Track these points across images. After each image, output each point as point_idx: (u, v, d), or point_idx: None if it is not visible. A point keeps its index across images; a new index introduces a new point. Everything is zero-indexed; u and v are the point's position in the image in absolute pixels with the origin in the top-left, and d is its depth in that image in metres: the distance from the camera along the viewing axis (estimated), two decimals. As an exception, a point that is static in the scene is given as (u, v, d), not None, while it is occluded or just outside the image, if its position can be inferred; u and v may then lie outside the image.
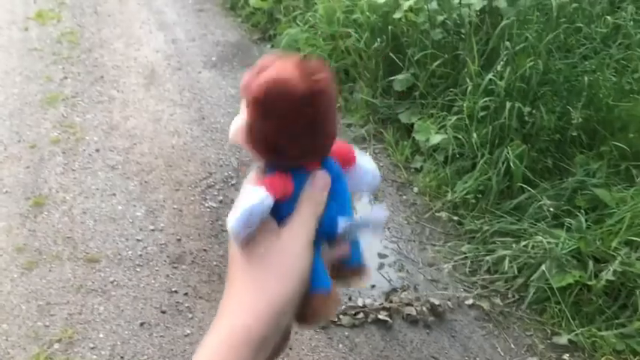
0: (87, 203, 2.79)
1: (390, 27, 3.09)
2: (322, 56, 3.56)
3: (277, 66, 0.52)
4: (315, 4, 3.65)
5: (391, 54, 3.12)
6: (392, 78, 3.13)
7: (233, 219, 0.52)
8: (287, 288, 0.51)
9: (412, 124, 3.04)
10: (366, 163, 0.61)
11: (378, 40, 3.15)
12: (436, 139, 2.78)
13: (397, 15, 2.96)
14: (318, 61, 0.52)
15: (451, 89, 2.91)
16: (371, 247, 2.50)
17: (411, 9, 2.93)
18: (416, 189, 2.87)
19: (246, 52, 4.22)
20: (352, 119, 3.33)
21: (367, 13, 3.20)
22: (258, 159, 0.55)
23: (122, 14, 4.94)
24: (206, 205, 2.80)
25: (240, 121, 0.54)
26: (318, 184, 0.55)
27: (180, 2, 5.17)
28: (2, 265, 2.44)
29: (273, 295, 0.50)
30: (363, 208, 0.61)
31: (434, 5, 2.90)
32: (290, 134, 0.52)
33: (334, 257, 0.57)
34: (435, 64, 2.91)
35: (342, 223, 0.56)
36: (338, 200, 0.57)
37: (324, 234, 0.56)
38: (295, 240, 0.53)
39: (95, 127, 3.37)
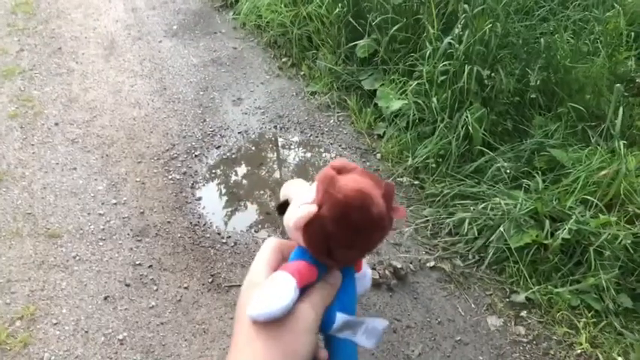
0: (47, 178, 2.75)
1: (351, -8, 3.06)
2: (285, 23, 3.52)
3: (356, 171, 0.57)
4: (277, -32, 3.59)
5: (352, 20, 3.09)
6: (354, 43, 3.11)
7: (259, 310, 0.53)
8: None
9: (375, 91, 3.04)
10: (367, 268, 0.66)
11: (340, 5, 3.12)
12: (397, 104, 2.78)
13: (357, -21, 2.92)
14: (391, 184, 0.56)
15: (412, 54, 2.91)
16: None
17: (370, -27, 2.90)
18: (379, 155, 2.88)
19: (208, 20, 4.15)
20: (316, 87, 3.32)
21: (329, -22, 3.16)
22: (300, 244, 0.58)
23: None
24: (169, 177, 2.78)
25: (304, 212, 0.55)
26: (331, 281, 0.59)
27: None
28: (-39, 243, 2.41)
29: None
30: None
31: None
32: (350, 246, 0.55)
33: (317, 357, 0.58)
34: (395, 28, 2.90)
35: (339, 318, 0.58)
36: (343, 298, 0.60)
37: (324, 324, 0.58)
38: (305, 323, 0.54)
39: (54, 101, 3.30)
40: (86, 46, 3.87)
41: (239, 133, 3.08)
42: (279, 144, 3.04)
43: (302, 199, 0.57)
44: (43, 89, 3.41)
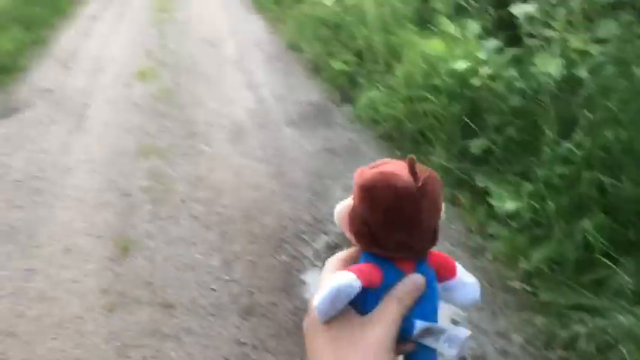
0: (169, 251, 2.96)
1: (467, 92, 3.13)
2: (400, 118, 3.64)
3: (391, 163, 0.56)
4: (395, 67, 3.76)
5: (468, 119, 3.14)
6: (468, 141, 3.14)
7: (319, 298, 0.52)
8: None
9: (488, 189, 3.02)
10: (467, 277, 0.61)
11: (456, 104, 3.19)
12: (511, 205, 2.74)
13: (475, 82, 2.99)
14: (428, 168, 0.55)
15: (528, 156, 2.88)
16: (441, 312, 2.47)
17: (489, 76, 2.96)
18: (490, 255, 2.82)
19: (327, 113, 4.38)
20: (427, 181, 3.35)
21: (445, 78, 3.26)
22: (355, 245, 0.58)
23: (215, 74, 5.29)
24: (279, 258, 2.89)
25: (345, 206, 0.58)
26: (409, 286, 0.55)
27: (270, 64, 5.48)
28: (88, 305, 2.62)
29: None
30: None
31: (512, 73, 2.91)
32: (389, 227, 0.54)
33: (397, 352, 0.55)
34: (512, 130, 2.91)
35: (418, 326, 0.56)
36: (423, 306, 0.57)
37: (402, 332, 0.55)
38: (379, 341, 0.51)
39: (183, 179, 3.59)
40: (216, 130, 4.22)
41: (349, 221, 3.15)
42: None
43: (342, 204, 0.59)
44: (175, 168, 3.73)
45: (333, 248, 2.96)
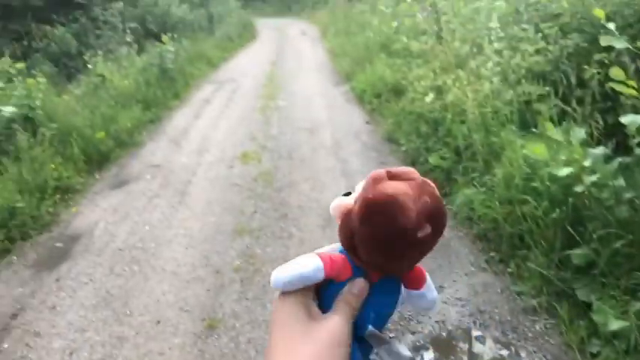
0: (253, 333, 2.96)
1: (570, 199, 3.01)
2: (497, 219, 3.54)
3: (412, 181, 0.57)
4: (495, 168, 3.71)
5: (569, 226, 3.00)
6: (569, 252, 2.98)
7: (280, 274, 0.56)
8: None
9: (590, 303, 2.82)
10: (430, 292, 0.65)
11: (557, 210, 3.07)
12: (617, 324, 2.53)
13: (579, 188, 2.88)
14: (438, 205, 0.56)
15: (637, 272, 2.68)
16: None
17: (594, 184, 2.84)
18: (590, 377, 2.59)
19: (421, 206, 4.35)
20: (523, 287, 3.19)
21: (547, 183, 3.17)
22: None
23: (312, 160, 5.45)
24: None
25: (344, 205, 0.59)
26: (354, 291, 0.59)
27: (365, 153, 5.58)
28: (171, 379, 2.65)
29: None
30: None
31: (620, 182, 2.78)
32: (372, 250, 0.56)
33: None
34: (619, 243, 2.74)
35: (369, 329, 0.58)
36: (379, 309, 0.60)
37: (356, 330, 0.58)
38: (335, 335, 0.55)
39: (272, 261, 3.65)
40: (308, 215, 4.29)
41: (436, 322, 3.04)
42: (478, 342, 2.92)
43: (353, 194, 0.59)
44: (265, 249, 3.81)
45: (419, 349, 2.85)
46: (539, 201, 3.23)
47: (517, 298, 3.17)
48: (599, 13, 2.69)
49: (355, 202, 0.58)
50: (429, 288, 0.65)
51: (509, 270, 3.39)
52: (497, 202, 3.55)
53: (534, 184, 3.29)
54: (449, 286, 3.34)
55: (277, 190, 4.79)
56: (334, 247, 0.62)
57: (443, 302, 3.18)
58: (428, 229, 0.55)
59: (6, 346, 3.03)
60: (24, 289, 3.59)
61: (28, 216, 4.42)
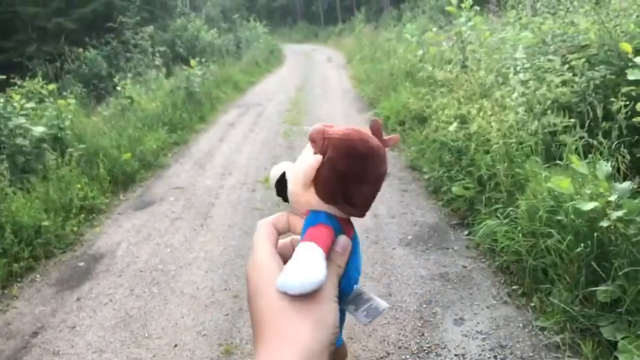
0: None
1: (595, 234, 2.95)
2: (520, 251, 3.49)
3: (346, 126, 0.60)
4: (518, 199, 3.66)
5: (594, 262, 2.94)
6: (594, 288, 2.91)
7: (291, 283, 0.52)
8: (322, 335, 0.52)
9: (616, 342, 2.74)
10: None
11: (582, 245, 3.01)
12: (643, 365, 2.45)
13: (604, 223, 2.82)
14: (376, 120, 0.60)
15: (665, 311, 2.61)
16: None
17: (620, 219, 2.79)
18: (615, 418, 2.51)
19: (442, 235, 4.31)
20: (546, 323, 3.12)
21: (572, 216, 3.11)
22: (310, 202, 0.59)
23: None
24: (379, 386, 2.76)
25: (312, 158, 0.58)
26: (338, 249, 0.59)
27: (388, 181, 5.56)
28: (186, 405, 2.64)
29: (312, 342, 0.51)
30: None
31: (647, 218, 2.73)
32: (364, 179, 0.58)
33: None
34: (646, 280, 2.67)
35: (355, 288, 0.60)
36: (356, 263, 0.61)
37: (342, 292, 0.59)
38: (328, 292, 0.55)
39: (291, 288, 3.63)
40: (329, 242, 4.27)
41: (455, 355, 2.98)
42: (498, 377, 2.85)
43: (302, 161, 0.59)
44: (285, 275, 3.79)
45: (437, 383, 2.79)
46: (563, 234, 3.17)
47: (540, 333, 3.09)
48: (627, 47, 2.67)
49: (323, 154, 0.58)
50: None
51: (532, 304, 3.32)
52: (520, 234, 3.49)
53: (559, 217, 3.23)
54: (469, 318, 3.28)
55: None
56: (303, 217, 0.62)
57: (463, 335, 3.13)
58: (391, 137, 0.60)
59: (25, 364, 3.06)
60: (45, 307, 3.63)
61: (53, 235, 4.49)
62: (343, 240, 0.60)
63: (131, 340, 3.19)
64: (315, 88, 12.33)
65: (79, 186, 5.26)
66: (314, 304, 0.53)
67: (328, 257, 0.57)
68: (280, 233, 0.63)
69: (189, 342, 3.13)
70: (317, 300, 0.53)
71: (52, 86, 7.15)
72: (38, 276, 4.08)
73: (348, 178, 0.57)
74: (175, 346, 3.10)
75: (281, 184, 0.63)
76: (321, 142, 0.58)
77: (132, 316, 3.43)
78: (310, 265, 0.54)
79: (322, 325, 0.52)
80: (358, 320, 0.62)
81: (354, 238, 0.61)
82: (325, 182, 0.58)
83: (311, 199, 0.59)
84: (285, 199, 0.63)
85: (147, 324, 3.34)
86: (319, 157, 0.57)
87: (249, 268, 0.58)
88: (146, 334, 3.23)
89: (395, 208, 4.85)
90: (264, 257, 0.58)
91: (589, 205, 2.79)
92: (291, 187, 0.61)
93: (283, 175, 0.63)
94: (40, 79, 7.27)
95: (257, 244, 0.60)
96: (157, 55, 11.71)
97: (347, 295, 0.60)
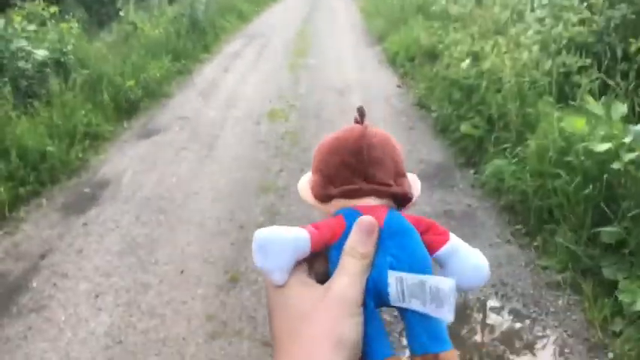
0: (274, 289, 2.99)
1: (605, 175, 2.94)
2: (526, 191, 3.48)
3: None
4: (528, 139, 3.63)
5: (602, 204, 2.94)
6: (599, 229, 2.93)
7: (258, 234, 0.48)
8: (340, 358, 0.43)
9: (616, 282, 2.78)
10: (468, 255, 0.50)
11: (591, 186, 3.00)
12: (643, 305, 2.50)
13: (616, 165, 2.80)
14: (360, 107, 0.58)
15: (669, 253, 2.63)
16: None
17: (632, 161, 2.76)
18: (611, 354, 2.57)
19: (448, 174, 4.30)
20: (549, 262, 3.16)
21: (582, 158, 3.09)
22: (321, 210, 0.55)
23: (340, 122, 5.38)
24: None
25: (305, 178, 0.57)
26: (361, 230, 0.48)
27: (395, 118, 5.51)
28: (192, 328, 2.71)
29: None
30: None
31: (660, 161, 2.70)
32: (340, 167, 0.53)
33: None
34: (653, 223, 2.67)
35: (391, 279, 0.46)
36: (395, 253, 0.48)
37: (373, 287, 0.47)
38: (344, 300, 0.45)
39: (296, 219, 3.66)
40: (334, 176, 4.27)
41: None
42: (497, 313, 2.91)
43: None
44: (290, 207, 3.82)
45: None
46: (572, 176, 3.15)
47: (541, 272, 3.14)
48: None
49: (314, 172, 0.57)
50: (457, 249, 0.50)
51: (535, 244, 3.35)
52: (528, 175, 3.48)
53: (568, 159, 3.21)
54: (472, 255, 3.31)
55: (303, 150, 4.76)
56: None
57: (465, 271, 3.17)
58: (371, 139, 0.55)
59: (35, 285, 3.11)
60: (52, 231, 3.66)
61: (57, 160, 4.48)
62: (365, 220, 0.49)
63: (138, 266, 3.23)
64: (321, 20, 12.03)
65: (83, 112, 5.20)
66: (331, 321, 0.45)
67: (346, 244, 0.48)
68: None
69: (196, 268, 3.18)
70: (335, 315, 0.45)
71: (53, 9, 6.94)
72: (44, 200, 4.10)
73: (331, 171, 0.53)
74: (182, 272, 3.15)
75: None
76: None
77: (138, 242, 3.47)
78: (282, 229, 0.48)
79: (341, 346, 0.44)
80: (438, 317, 0.47)
81: (391, 225, 0.50)
82: (314, 191, 0.55)
83: (319, 207, 0.55)
84: None
85: (153, 250, 3.38)
86: (307, 174, 0.57)
87: (267, 282, 0.50)
88: (153, 260, 3.28)
89: (401, 146, 4.81)
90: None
91: (602, 147, 2.77)
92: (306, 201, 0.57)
93: None
94: (41, 1, 7.05)
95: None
96: (160, -21, 11.33)
97: (379, 288, 0.48)
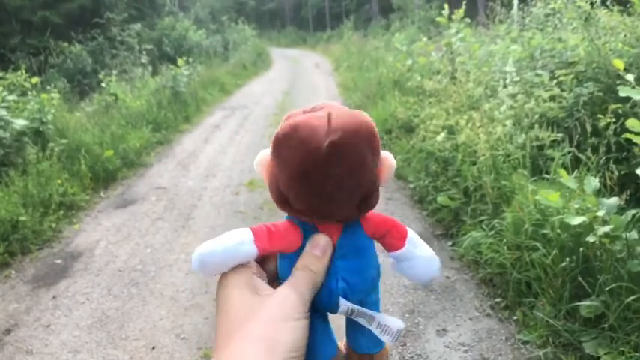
0: None
1: (581, 249, 2.96)
2: (504, 264, 3.48)
3: (314, 118, 0.49)
4: (504, 211, 3.66)
5: (579, 277, 2.94)
6: (578, 304, 2.91)
7: (200, 248, 0.49)
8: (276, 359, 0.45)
9: (598, 357, 2.73)
10: (423, 251, 0.55)
11: (567, 259, 3.01)
12: (625, 381, 2.45)
13: (591, 238, 2.82)
14: (349, 138, 0.48)
15: (649, 329, 2.61)
16: None
17: (606, 235, 2.79)
18: None
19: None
20: (529, 337, 3.11)
21: (558, 231, 3.11)
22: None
23: (319, 192, 5.41)
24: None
25: (265, 156, 0.52)
26: (314, 249, 0.50)
27: (373, 189, 5.54)
28: (162, 409, 2.57)
29: None
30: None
31: (634, 235, 2.73)
32: (297, 191, 0.49)
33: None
34: (631, 298, 2.67)
35: (343, 304, 0.50)
36: (347, 277, 0.50)
37: (324, 307, 0.50)
38: (284, 307, 0.47)
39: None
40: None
41: (438, 366, 2.96)
42: (479, 390, 2.83)
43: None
44: (267, 280, 3.74)
45: (418, 394, 2.76)
46: (548, 248, 3.17)
47: (522, 347, 3.08)
48: (619, 64, 2.69)
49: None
50: (415, 244, 0.55)
51: (515, 317, 3.31)
52: (505, 247, 3.49)
53: (544, 231, 3.23)
54: (452, 329, 3.26)
55: (281, 219, 4.73)
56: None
57: (445, 346, 3.10)
58: (341, 135, 0.47)
59: (-4, 362, 2.96)
60: (20, 304, 3.53)
61: (30, 230, 4.39)
62: (320, 239, 0.51)
63: (108, 341, 3.11)
64: (301, 92, 12.31)
65: (59, 182, 5.15)
66: (264, 323, 0.46)
67: (298, 261, 0.50)
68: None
69: (168, 344, 3.06)
70: (268, 319, 0.46)
71: (35, 79, 7.01)
72: (13, 272, 3.98)
73: (284, 189, 0.51)
74: (153, 348, 3.03)
75: None
76: None
77: (109, 316, 3.35)
78: (224, 236, 0.50)
79: (276, 349, 0.45)
80: (378, 337, 0.52)
81: (347, 244, 0.52)
82: (269, 187, 0.53)
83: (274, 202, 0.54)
84: None
85: (124, 325, 3.26)
86: (267, 155, 0.54)
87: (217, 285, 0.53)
88: (123, 335, 3.16)
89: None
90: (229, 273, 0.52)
91: (577, 220, 2.79)
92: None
93: None
94: (24, 71, 7.13)
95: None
96: (144, 53, 11.60)
97: (329, 308, 0.51)
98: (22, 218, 4.38)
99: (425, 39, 8.10)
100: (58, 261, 4.14)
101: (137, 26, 12.36)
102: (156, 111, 8.29)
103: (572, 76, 4.26)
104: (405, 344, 3.11)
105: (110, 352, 3.02)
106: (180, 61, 9.96)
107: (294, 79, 14.89)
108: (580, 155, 3.49)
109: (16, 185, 4.83)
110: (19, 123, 5.41)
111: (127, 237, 4.49)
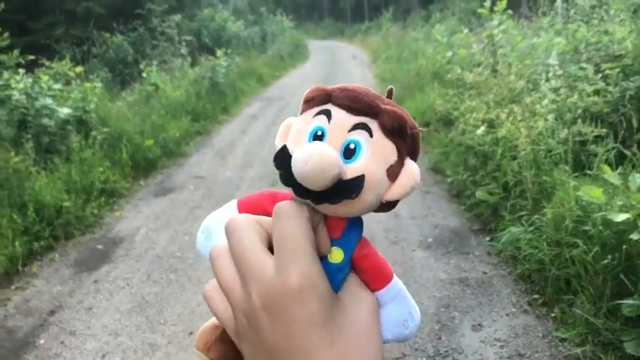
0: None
1: (624, 246, 2.88)
2: (543, 260, 3.42)
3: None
4: (544, 207, 3.60)
5: (622, 275, 2.87)
6: (620, 302, 2.84)
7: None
8: None
9: (639, 357, 2.67)
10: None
11: (609, 257, 2.94)
12: (668, 384, 2.39)
13: (634, 236, 2.75)
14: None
15: (694, 330, 2.53)
16: None
17: (652, 232, 2.72)
18: None
19: (463, 240, 4.25)
20: (567, 334, 3.06)
21: (600, 227, 3.04)
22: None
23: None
24: (393, 387, 2.73)
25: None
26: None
27: (410, 182, 5.50)
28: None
29: None
30: None
31: (680, 233, 2.65)
32: None
33: None
34: (677, 297, 2.60)
35: None
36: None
37: None
38: (361, 303, 0.43)
39: (308, 283, 3.60)
40: (348, 239, 4.23)
41: (473, 361, 2.94)
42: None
43: None
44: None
45: (453, 388, 2.75)
46: (589, 245, 3.10)
47: (559, 344, 3.03)
48: (669, 56, 2.59)
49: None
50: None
51: (553, 314, 3.26)
52: (544, 243, 3.43)
53: (586, 228, 3.16)
54: (488, 325, 3.22)
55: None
56: None
57: (481, 341, 3.08)
58: None
59: (42, 342, 3.07)
60: (63, 287, 3.65)
61: (73, 216, 4.52)
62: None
63: (146, 325, 3.19)
64: (338, 84, 12.26)
65: (101, 169, 5.28)
66: (352, 326, 0.42)
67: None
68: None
69: (205, 331, 3.11)
70: (354, 321, 0.42)
71: (79, 69, 7.19)
72: (57, 256, 4.11)
73: None
74: (191, 333, 3.09)
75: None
76: None
77: (148, 301, 3.43)
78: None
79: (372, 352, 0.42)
80: None
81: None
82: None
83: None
84: None
85: (163, 310, 3.33)
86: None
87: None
88: (162, 320, 3.23)
89: (416, 210, 4.80)
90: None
91: (620, 217, 2.73)
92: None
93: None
94: (68, 61, 7.32)
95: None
96: (183, 43, 11.75)
97: None
98: (66, 204, 4.51)
99: (466, 30, 7.98)
100: (100, 246, 4.25)
101: (177, 17, 12.50)
102: (195, 101, 8.41)
103: (618, 69, 4.14)
104: (440, 338, 3.10)
105: (149, 336, 3.09)
106: (218, 52, 10.06)
107: (331, 70, 14.87)
108: (625, 151, 3.40)
109: (60, 172, 4.98)
110: (64, 111, 5.56)
111: (166, 224, 4.58)
